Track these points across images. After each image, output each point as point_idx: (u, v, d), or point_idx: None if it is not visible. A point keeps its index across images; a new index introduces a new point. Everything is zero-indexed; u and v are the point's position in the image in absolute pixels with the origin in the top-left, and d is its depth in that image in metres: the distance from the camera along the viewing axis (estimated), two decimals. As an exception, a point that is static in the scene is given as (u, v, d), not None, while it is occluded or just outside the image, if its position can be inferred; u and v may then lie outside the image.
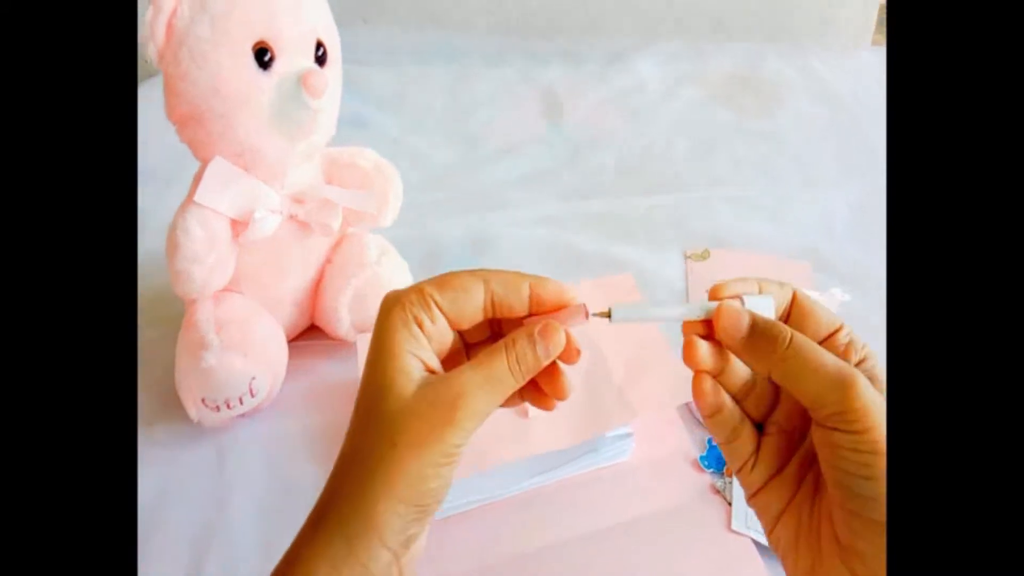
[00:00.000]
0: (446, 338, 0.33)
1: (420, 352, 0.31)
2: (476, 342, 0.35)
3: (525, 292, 0.33)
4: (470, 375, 0.31)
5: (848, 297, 0.63)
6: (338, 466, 0.32)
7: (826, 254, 0.73)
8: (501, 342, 0.32)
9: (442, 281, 0.32)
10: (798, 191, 0.84)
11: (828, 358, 0.30)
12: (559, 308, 0.33)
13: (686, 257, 0.73)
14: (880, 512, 0.28)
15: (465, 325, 0.33)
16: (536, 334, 0.32)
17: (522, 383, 0.32)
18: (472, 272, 0.33)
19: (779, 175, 0.88)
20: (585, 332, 0.55)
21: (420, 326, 0.31)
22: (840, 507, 0.30)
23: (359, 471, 0.30)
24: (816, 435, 0.31)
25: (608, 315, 0.32)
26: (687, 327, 0.33)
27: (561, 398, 0.34)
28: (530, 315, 0.33)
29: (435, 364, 0.32)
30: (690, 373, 0.33)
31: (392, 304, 0.32)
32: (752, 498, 0.34)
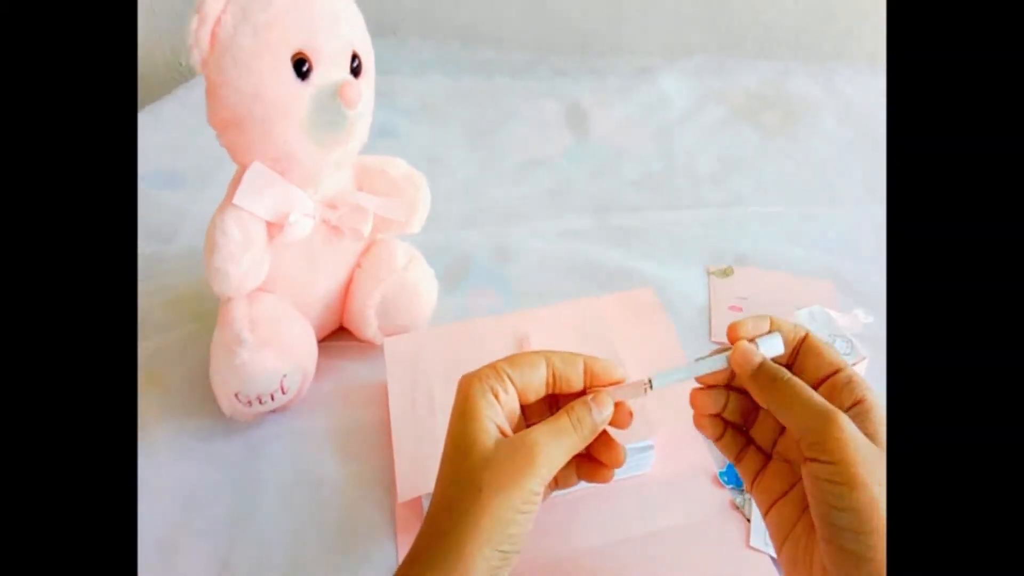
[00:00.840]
0: (515, 410, 0.38)
1: (496, 417, 0.36)
2: (534, 421, 0.39)
3: (580, 367, 0.39)
4: (540, 430, 0.36)
5: (871, 319, 0.64)
6: (430, 514, 0.36)
7: (849, 274, 0.73)
8: (563, 409, 0.37)
9: (512, 359, 0.38)
10: (822, 210, 0.84)
11: (817, 396, 0.34)
12: (609, 383, 0.39)
13: (709, 274, 0.74)
14: (855, 543, 0.31)
15: (531, 397, 0.38)
16: (590, 401, 0.37)
17: (585, 442, 0.37)
18: (536, 352, 0.39)
19: (803, 194, 0.88)
20: (607, 351, 0.56)
21: (496, 396, 0.37)
22: (822, 538, 0.33)
23: (449, 516, 0.34)
24: (803, 469, 0.34)
25: (649, 384, 0.38)
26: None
27: (617, 465, 0.40)
28: (585, 389, 0.39)
29: (508, 429, 0.37)
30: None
31: (472, 379, 0.37)
32: (765, 517, 0.39)
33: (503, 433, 0.36)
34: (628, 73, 1.16)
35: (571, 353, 0.39)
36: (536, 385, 0.38)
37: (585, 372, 0.39)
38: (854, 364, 0.58)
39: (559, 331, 0.60)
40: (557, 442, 0.36)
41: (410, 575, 0.34)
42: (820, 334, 0.59)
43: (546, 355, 0.39)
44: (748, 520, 0.50)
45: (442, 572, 0.33)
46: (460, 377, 0.38)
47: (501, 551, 0.34)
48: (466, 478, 0.35)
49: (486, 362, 0.39)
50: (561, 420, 0.37)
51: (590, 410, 0.37)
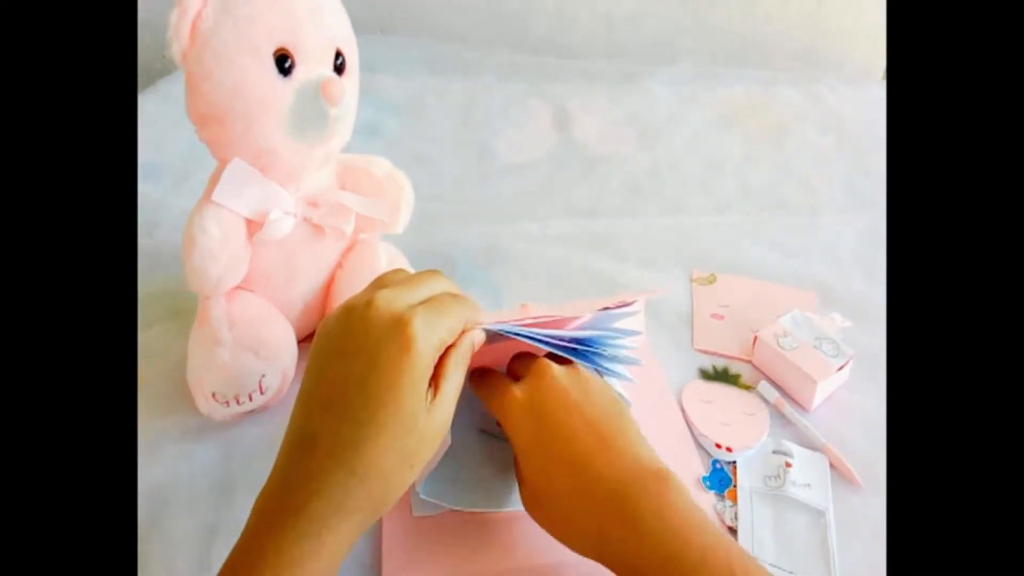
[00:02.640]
0: None
1: (428, 379, 0.38)
2: None
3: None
4: (452, 400, 0.39)
5: (849, 323, 0.64)
6: (364, 477, 0.36)
7: (831, 283, 0.73)
8: (459, 354, 0.40)
9: (446, 311, 0.39)
10: (805, 220, 0.85)
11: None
12: None
13: (692, 281, 0.74)
14: None
15: None
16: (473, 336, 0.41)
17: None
18: (459, 302, 0.41)
19: (787, 203, 0.89)
20: None
21: (433, 359, 0.38)
22: None
23: (382, 487, 0.37)
24: None
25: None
26: None
27: None
28: None
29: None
30: None
31: (421, 346, 0.37)
32: None
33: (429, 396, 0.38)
34: (615, 78, 1.16)
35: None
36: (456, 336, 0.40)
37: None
38: (842, 366, 0.58)
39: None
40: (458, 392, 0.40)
41: (345, 532, 0.36)
42: (805, 338, 0.60)
43: (469, 305, 0.41)
44: (729, 528, 0.50)
45: (359, 529, 0.37)
46: (409, 321, 0.37)
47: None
48: (404, 456, 0.37)
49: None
50: (460, 369, 0.40)
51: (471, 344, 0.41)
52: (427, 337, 0.37)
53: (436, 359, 0.38)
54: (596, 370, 0.47)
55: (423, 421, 0.37)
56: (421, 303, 0.38)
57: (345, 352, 0.37)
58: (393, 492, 0.38)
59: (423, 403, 0.37)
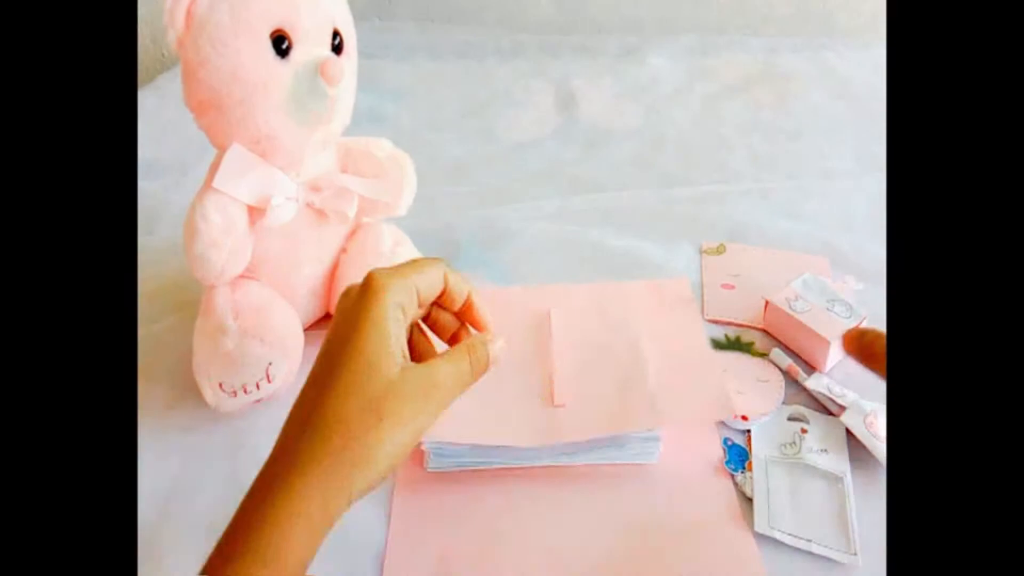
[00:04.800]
0: (411, 326, 0.40)
1: (401, 339, 0.37)
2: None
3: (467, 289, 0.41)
4: (444, 369, 0.37)
5: (862, 286, 0.63)
6: (324, 424, 0.35)
7: (843, 248, 0.72)
8: (463, 346, 0.39)
9: (421, 269, 0.38)
10: (815, 185, 0.83)
11: None
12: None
13: (701, 251, 0.73)
14: None
15: (423, 307, 0.40)
16: (488, 341, 0.39)
17: (477, 378, 0.39)
18: (436, 262, 0.39)
19: (795, 169, 0.87)
20: (629, 339, 0.55)
21: (403, 314, 0.37)
22: None
23: (345, 436, 0.34)
24: None
25: None
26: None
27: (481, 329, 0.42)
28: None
29: (407, 351, 0.38)
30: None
31: (385, 291, 0.36)
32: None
33: (403, 355, 0.37)
34: (617, 52, 1.15)
35: (460, 276, 0.41)
36: (431, 297, 0.40)
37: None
38: (855, 326, 0.58)
39: (582, 311, 0.60)
40: (457, 382, 0.38)
41: (300, 488, 0.34)
42: (817, 300, 0.59)
43: (445, 268, 0.40)
44: (749, 499, 0.49)
45: (327, 487, 0.33)
46: (371, 273, 0.37)
47: (382, 476, 0.35)
48: (366, 402, 0.35)
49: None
50: (462, 361, 0.38)
51: (487, 348, 0.39)
52: (390, 282, 0.36)
53: (411, 307, 0.38)
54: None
55: (390, 369, 0.35)
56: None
57: (332, 325, 0.38)
58: (361, 446, 0.34)
59: (389, 349, 0.35)
